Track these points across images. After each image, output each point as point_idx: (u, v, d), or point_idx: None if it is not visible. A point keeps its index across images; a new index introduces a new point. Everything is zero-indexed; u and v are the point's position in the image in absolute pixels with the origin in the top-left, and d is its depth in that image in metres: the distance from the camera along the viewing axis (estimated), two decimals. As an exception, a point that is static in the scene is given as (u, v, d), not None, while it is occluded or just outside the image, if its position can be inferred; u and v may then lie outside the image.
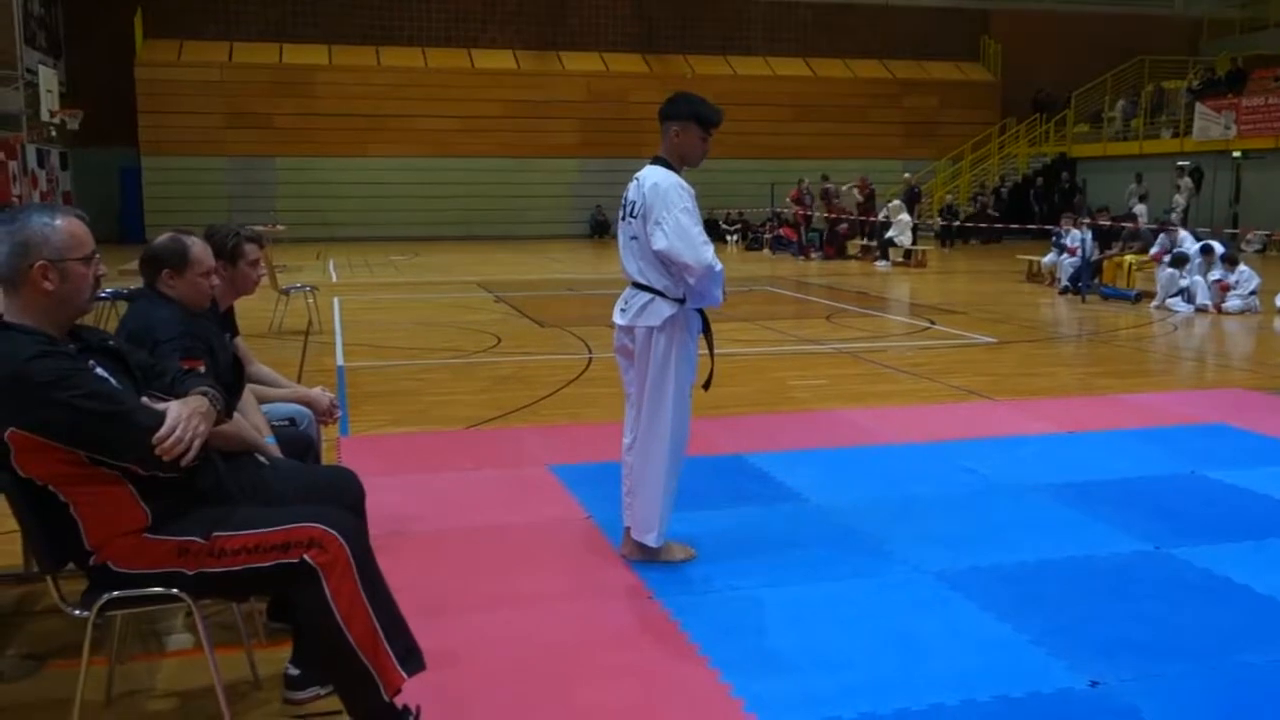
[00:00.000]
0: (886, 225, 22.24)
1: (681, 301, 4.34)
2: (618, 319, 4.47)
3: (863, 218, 24.37)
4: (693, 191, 4.24)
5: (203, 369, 3.38)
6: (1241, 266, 13.90)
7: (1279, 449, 6.50)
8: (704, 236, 4.22)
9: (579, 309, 14.13)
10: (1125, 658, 3.64)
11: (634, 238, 4.36)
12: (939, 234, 27.07)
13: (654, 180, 4.28)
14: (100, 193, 27.22)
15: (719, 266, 4.24)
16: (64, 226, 2.87)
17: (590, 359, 9.87)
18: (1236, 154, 25.80)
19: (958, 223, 27.24)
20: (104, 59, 27.66)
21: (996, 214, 28.57)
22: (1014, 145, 32.58)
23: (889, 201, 23.50)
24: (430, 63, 30.64)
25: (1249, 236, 23.60)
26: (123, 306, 9.85)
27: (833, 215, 24.23)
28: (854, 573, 4.45)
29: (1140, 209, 22.47)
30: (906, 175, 26.80)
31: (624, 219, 4.43)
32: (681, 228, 4.17)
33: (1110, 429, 7.01)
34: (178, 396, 2.94)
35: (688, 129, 4.37)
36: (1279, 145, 24.63)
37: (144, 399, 2.91)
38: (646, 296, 4.34)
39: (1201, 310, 13.57)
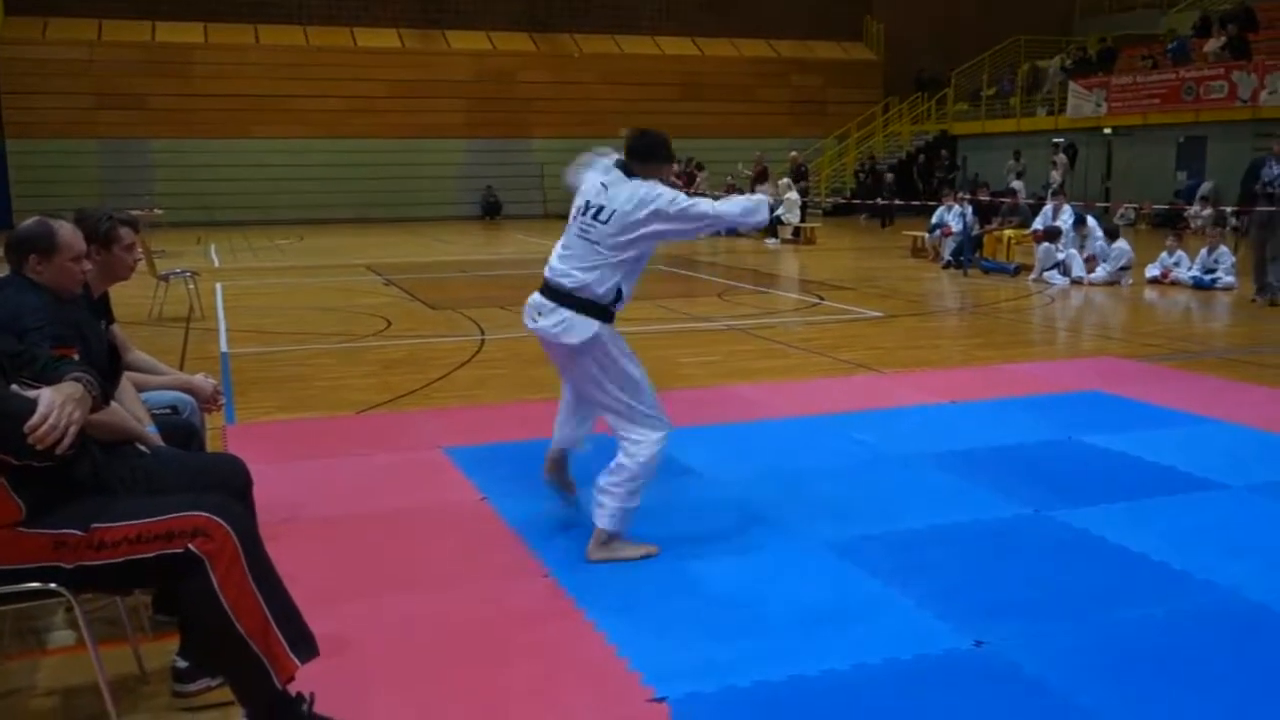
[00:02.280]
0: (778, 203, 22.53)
1: (605, 311, 4.27)
2: (537, 326, 4.31)
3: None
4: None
5: (75, 356, 3.26)
6: (1120, 241, 14.40)
7: (1149, 414, 6.77)
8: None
9: (471, 290, 14.00)
10: (1008, 618, 3.76)
11: (593, 240, 4.22)
12: (879, 211, 26.95)
13: (628, 186, 4.22)
14: (-38, 178, 26.08)
15: (738, 209, 4.42)
16: None
17: (483, 340, 9.80)
18: (1107, 130, 26.68)
19: (879, 199, 27.46)
20: (-38, 38, 26.45)
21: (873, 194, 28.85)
22: (898, 123, 33.20)
23: (777, 180, 23.80)
24: (312, 41, 29.95)
25: (1121, 211, 24.46)
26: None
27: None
28: (748, 545, 4.51)
29: (1018, 185, 23.11)
30: (793, 154, 27.12)
31: (578, 216, 4.29)
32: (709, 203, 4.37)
33: (991, 398, 7.22)
34: (50, 383, 2.83)
35: (665, 169, 4.41)
36: (1146, 122, 25.55)
37: (14, 387, 2.80)
38: (566, 312, 4.22)
39: (1077, 283, 14.03)
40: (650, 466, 4.29)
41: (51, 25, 28.01)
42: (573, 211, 4.34)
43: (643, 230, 4.19)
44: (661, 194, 4.18)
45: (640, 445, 4.27)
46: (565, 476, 4.86)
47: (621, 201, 4.17)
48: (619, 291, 4.27)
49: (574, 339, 4.22)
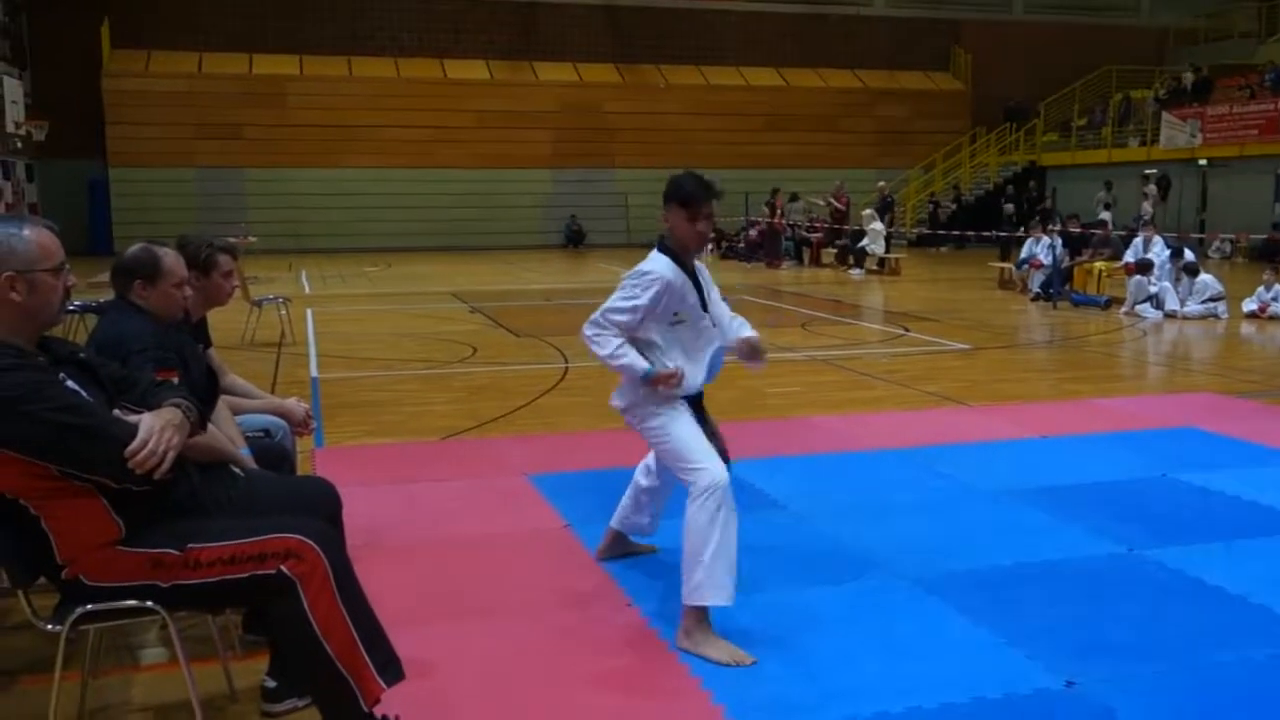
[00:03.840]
0: (862, 234, 22.40)
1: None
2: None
3: (839, 226, 24.47)
4: (664, 281, 3.97)
5: (176, 380, 3.35)
6: (1203, 275, 14.08)
7: (1247, 452, 6.56)
8: (618, 322, 3.96)
9: (555, 319, 14.10)
10: (1100, 658, 3.66)
11: None
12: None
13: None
14: (67, 205, 26.94)
15: (605, 352, 3.94)
16: (32, 237, 2.83)
17: (567, 368, 9.85)
18: (1202, 162, 26.07)
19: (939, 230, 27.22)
20: (71, 70, 27.44)
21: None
22: (985, 154, 32.83)
23: (862, 210, 23.64)
24: (402, 72, 30.58)
25: (1216, 243, 23.87)
26: (91, 319, 9.75)
27: (766, 226, 24.43)
28: (832, 579, 4.46)
29: (1105, 216, 22.69)
30: (880, 184, 26.90)
31: None
32: (608, 301, 4.00)
33: (1082, 433, 7.06)
34: (151, 408, 2.91)
35: (672, 213, 4.09)
36: (1243, 153, 24.93)
37: (116, 411, 2.88)
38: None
39: (1170, 316, 13.70)
40: (701, 523, 3.77)
41: (154, 58, 28.99)
42: None
43: None
44: (628, 277, 4.02)
45: (691, 501, 3.85)
46: (630, 548, 4.74)
47: None
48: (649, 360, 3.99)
49: (614, 402, 4.15)
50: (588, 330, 3.99)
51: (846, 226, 24.13)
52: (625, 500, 4.62)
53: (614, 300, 3.99)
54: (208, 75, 29.05)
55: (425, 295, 17.31)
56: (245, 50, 29.67)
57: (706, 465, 3.88)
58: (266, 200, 29.08)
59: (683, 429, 3.99)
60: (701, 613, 3.79)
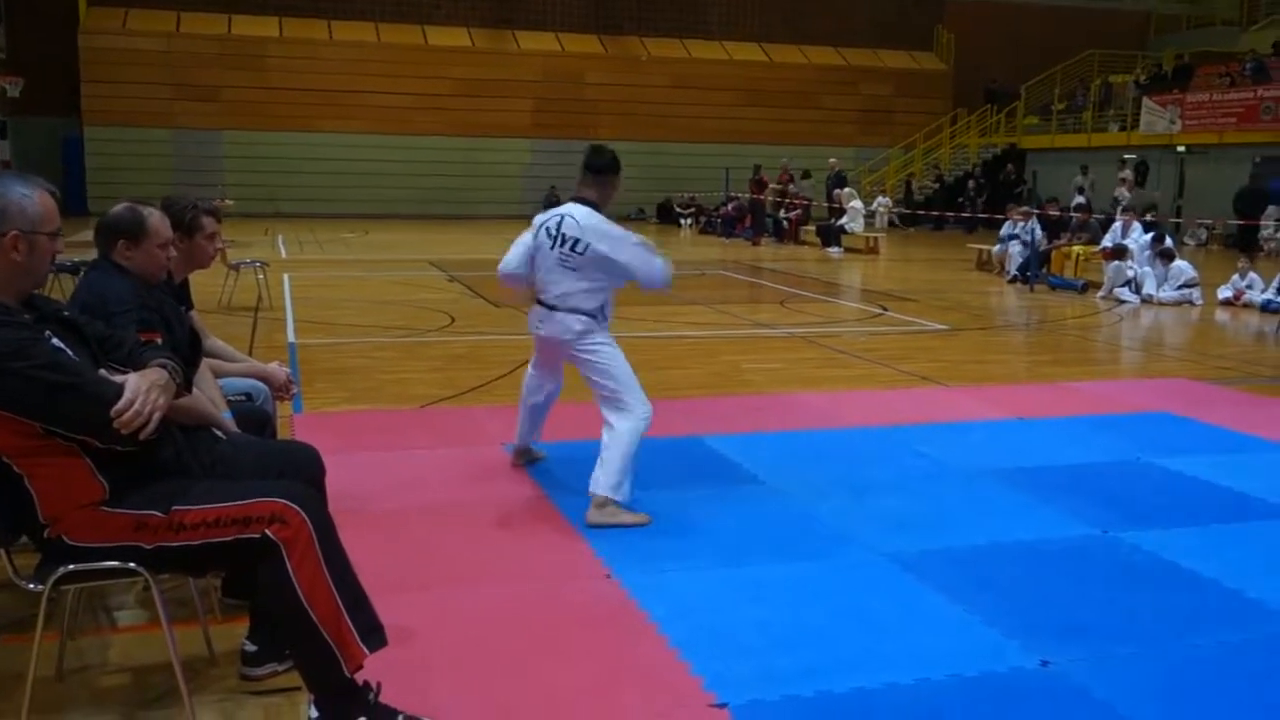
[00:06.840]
0: (841, 212, 22.39)
1: (594, 318, 4.98)
2: (544, 333, 5.10)
3: (784, 201, 24.45)
4: None
5: (159, 341, 3.33)
6: (1177, 261, 14.20)
7: (1221, 437, 6.63)
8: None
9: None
10: (1075, 639, 3.70)
11: (571, 268, 4.91)
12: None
13: (589, 221, 4.89)
14: (41, 163, 26.53)
15: (664, 262, 5.02)
16: (39, 200, 2.84)
17: (544, 339, 9.82)
18: (1181, 148, 26.21)
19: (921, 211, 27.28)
20: (47, 26, 27.04)
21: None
22: (965, 135, 32.87)
23: (840, 189, 23.60)
24: (383, 38, 30.29)
25: (1191, 230, 24.02)
26: (65, 278, 9.67)
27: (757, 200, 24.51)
28: (810, 554, 4.49)
29: (1078, 200, 22.78)
30: (831, 160, 26.53)
31: (555, 248, 4.94)
32: (634, 248, 4.91)
33: (1058, 416, 7.11)
34: (136, 368, 2.89)
35: (615, 181, 5.07)
36: (1222, 140, 25.07)
37: (102, 371, 2.86)
38: (568, 317, 4.95)
39: (1147, 301, 13.80)
40: (631, 440, 4.82)
41: (132, 16, 28.59)
42: (542, 242, 5.01)
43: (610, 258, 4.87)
44: (615, 230, 4.90)
45: (633, 422, 4.85)
46: (534, 456, 5.74)
47: (590, 233, 4.84)
48: (603, 307, 4.99)
49: (570, 335, 4.95)
50: (653, 257, 4.93)
51: (796, 201, 24.16)
52: (525, 421, 5.55)
53: (638, 243, 4.94)
54: (185, 35, 28.68)
55: (403, 263, 17.22)
56: (224, 11, 29.30)
57: (645, 398, 4.93)
58: (243, 163, 28.81)
59: (626, 362, 4.98)
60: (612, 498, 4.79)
